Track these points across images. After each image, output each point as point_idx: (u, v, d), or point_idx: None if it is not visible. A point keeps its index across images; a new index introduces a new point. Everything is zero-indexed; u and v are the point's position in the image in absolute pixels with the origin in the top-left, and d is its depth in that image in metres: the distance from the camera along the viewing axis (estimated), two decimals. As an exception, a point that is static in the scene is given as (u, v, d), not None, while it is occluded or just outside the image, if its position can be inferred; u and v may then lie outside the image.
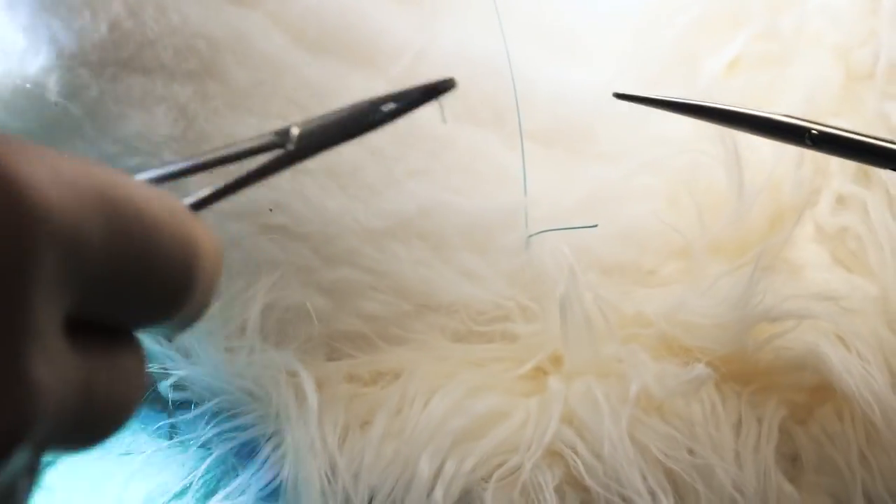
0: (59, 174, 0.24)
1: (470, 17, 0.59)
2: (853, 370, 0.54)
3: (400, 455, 0.54)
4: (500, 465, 0.53)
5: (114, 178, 0.26)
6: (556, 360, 0.58)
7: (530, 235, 0.58)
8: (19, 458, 0.24)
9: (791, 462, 0.56)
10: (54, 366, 0.24)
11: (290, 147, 0.40)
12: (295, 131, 0.40)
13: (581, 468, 0.52)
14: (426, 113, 0.58)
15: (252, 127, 0.55)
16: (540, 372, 0.58)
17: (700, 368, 0.53)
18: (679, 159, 0.59)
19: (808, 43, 0.62)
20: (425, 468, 0.52)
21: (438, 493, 0.52)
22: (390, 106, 0.42)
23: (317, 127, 0.41)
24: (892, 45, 0.60)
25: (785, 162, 0.58)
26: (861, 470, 0.54)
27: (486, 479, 0.53)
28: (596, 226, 0.56)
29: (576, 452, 0.53)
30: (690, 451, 0.53)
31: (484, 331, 0.59)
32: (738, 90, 0.61)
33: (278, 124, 0.55)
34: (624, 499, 0.51)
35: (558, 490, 0.53)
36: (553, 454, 0.54)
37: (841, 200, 0.60)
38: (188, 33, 0.54)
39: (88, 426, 0.27)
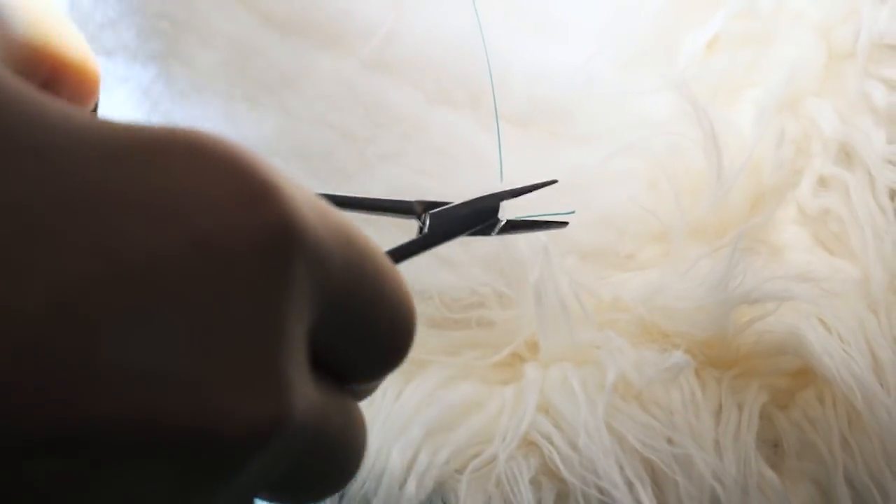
0: (307, 196, 0.26)
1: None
2: (834, 353, 0.53)
3: (371, 447, 0.52)
4: (474, 457, 0.52)
5: (348, 218, 0.28)
6: (533, 347, 0.57)
7: (506, 220, 0.56)
8: (253, 464, 0.24)
9: (772, 448, 0.55)
10: (302, 379, 0.25)
11: (424, 230, 0.46)
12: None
13: (557, 459, 0.51)
14: (399, 94, 0.57)
15: (218, 109, 0.54)
16: (516, 358, 0.57)
17: (678, 356, 0.52)
18: (658, 141, 0.58)
19: (789, 21, 0.60)
20: (397, 460, 0.51)
21: (411, 485, 0.51)
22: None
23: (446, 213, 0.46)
24: (872, 22, 0.59)
25: (765, 142, 0.57)
26: (843, 455, 0.53)
27: (460, 471, 0.52)
28: (573, 212, 0.55)
29: (552, 443, 0.52)
30: (669, 441, 0.52)
31: (459, 318, 0.58)
32: (718, 70, 0.60)
33: (245, 107, 0.54)
34: (601, 490, 0.50)
35: (534, 481, 0.52)
36: (529, 444, 0.53)
37: (822, 182, 0.59)
38: (150, 13, 0.53)
39: (317, 467, 0.28)
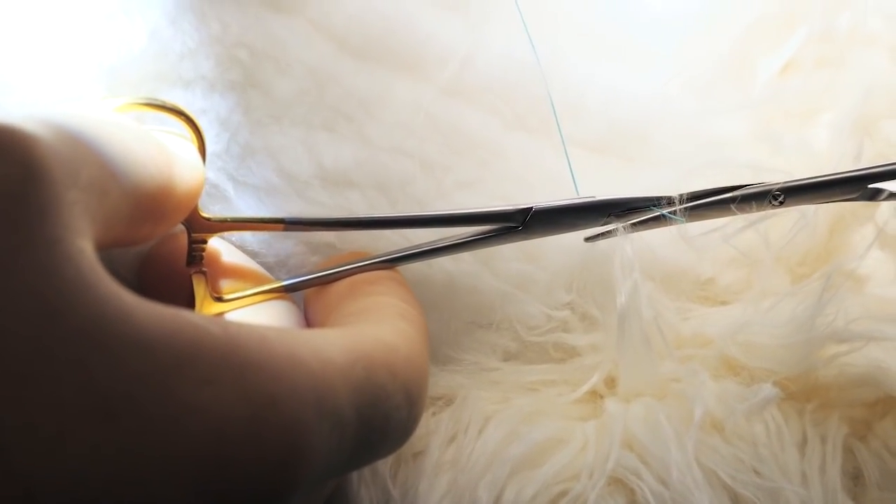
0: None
1: (517, 21, 0.56)
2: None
3: (456, 485, 0.52)
4: (561, 494, 0.51)
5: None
6: (610, 382, 0.56)
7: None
8: None
9: (853, 480, 0.54)
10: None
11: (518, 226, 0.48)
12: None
13: (648, 495, 0.50)
14: (476, 120, 0.56)
15: (297, 138, 0.53)
16: (595, 395, 0.56)
17: (767, 388, 0.51)
18: (734, 163, 0.57)
19: (864, 44, 0.60)
20: (484, 497, 0.51)
21: (499, 522, 0.50)
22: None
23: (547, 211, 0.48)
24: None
25: (843, 162, 0.56)
26: (927, 485, 0.53)
27: (548, 509, 0.51)
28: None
29: (640, 479, 0.51)
30: (757, 473, 0.51)
31: (537, 342, 0.57)
32: (793, 93, 0.59)
33: (324, 136, 0.53)
34: (695, 527, 0.49)
35: (621, 519, 0.51)
36: (616, 481, 0.52)
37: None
38: (229, 42, 0.52)
39: None
